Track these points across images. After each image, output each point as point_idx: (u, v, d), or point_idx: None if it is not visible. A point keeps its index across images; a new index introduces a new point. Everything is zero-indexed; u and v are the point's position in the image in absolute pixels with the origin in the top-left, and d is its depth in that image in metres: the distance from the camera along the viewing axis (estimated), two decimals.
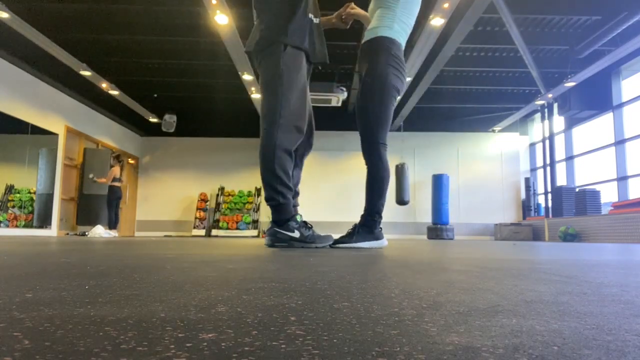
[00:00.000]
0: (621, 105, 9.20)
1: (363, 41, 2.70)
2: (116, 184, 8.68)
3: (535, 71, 8.64)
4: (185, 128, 12.43)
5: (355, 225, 2.54)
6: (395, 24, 2.60)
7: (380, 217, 2.55)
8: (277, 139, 2.43)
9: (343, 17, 2.87)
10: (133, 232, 12.82)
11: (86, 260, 1.28)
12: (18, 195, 8.72)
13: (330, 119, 10.63)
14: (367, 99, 2.57)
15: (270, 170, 2.43)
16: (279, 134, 2.43)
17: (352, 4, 2.87)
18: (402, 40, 2.65)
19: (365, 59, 2.65)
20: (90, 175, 9.44)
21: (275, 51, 2.49)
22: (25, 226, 8.64)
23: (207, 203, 12.69)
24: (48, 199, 9.15)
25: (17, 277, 0.81)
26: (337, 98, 9.04)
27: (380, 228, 2.55)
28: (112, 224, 8.49)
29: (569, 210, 9.89)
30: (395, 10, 2.59)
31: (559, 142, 11.04)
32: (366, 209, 2.56)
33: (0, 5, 6.04)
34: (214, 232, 12.37)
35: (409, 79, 8.67)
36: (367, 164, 2.58)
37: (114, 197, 8.65)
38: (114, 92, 9.67)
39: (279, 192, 2.44)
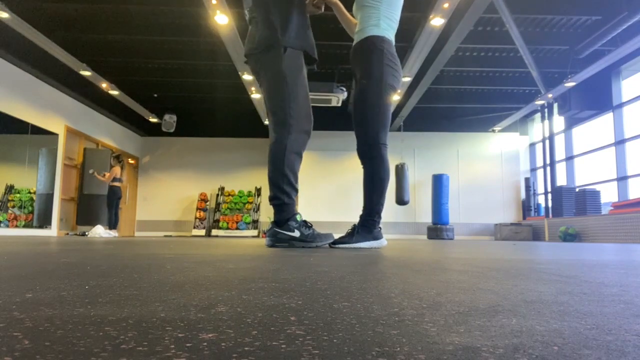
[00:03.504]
0: (621, 105, 9.20)
1: (354, 44, 2.69)
2: (116, 184, 8.69)
3: (535, 71, 8.64)
4: (185, 128, 12.44)
5: (355, 225, 2.54)
6: (382, 22, 2.59)
7: (380, 217, 2.55)
8: (288, 142, 2.44)
9: (314, 2, 2.79)
10: (133, 232, 12.82)
11: (86, 260, 1.28)
12: (18, 195, 8.72)
13: (330, 119, 10.63)
14: (366, 101, 2.55)
15: (278, 170, 2.44)
16: (290, 135, 2.45)
17: None
18: (391, 37, 2.65)
19: (357, 60, 2.64)
20: (90, 171, 9.43)
21: (276, 54, 2.48)
22: (25, 226, 8.64)
23: (207, 203, 12.69)
24: (48, 199, 9.15)
25: (17, 277, 0.81)
26: (337, 98, 9.03)
27: (380, 228, 2.54)
28: (112, 224, 8.49)
29: (569, 210, 9.88)
30: (379, 8, 2.59)
31: (559, 142, 11.04)
32: (366, 210, 2.55)
33: (0, 5, 6.04)
34: (214, 232, 12.38)
35: (408, 79, 8.66)
36: (366, 165, 2.56)
37: (114, 197, 8.65)
38: (114, 92, 9.67)
39: (285, 192, 2.45)
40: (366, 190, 2.56)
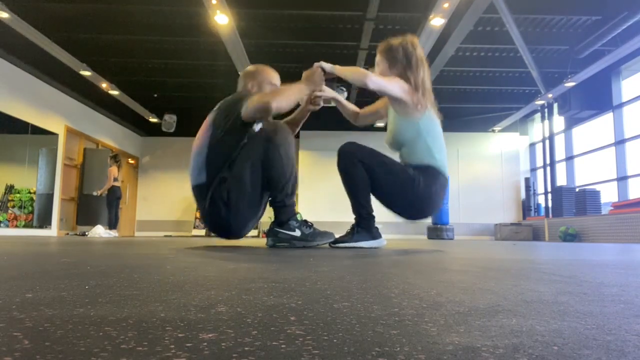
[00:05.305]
0: (621, 105, 9.20)
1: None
2: (115, 183, 8.70)
3: (535, 71, 8.63)
4: (185, 128, 12.39)
5: (354, 225, 2.54)
6: (436, 154, 2.44)
7: (370, 214, 2.53)
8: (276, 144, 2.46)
9: (312, 99, 2.76)
10: (133, 232, 12.82)
11: (86, 260, 1.28)
12: (18, 195, 8.71)
13: (330, 119, 10.60)
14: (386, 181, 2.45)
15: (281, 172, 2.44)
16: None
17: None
18: (447, 175, 2.49)
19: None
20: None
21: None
22: (25, 226, 8.63)
23: None
24: (48, 199, 9.15)
25: (17, 277, 0.81)
26: None
27: (377, 227, 2.54)
28: (112, 224, 8.49)
29: (569, 210, 9.88)
30: (426, 140, 2.45)
31: (559, 142, 11.04)
32: (357, 211, 2.55)
33: (0, 5, 6.04)
34: None
35: None
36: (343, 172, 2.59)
37: (113, 197, 8.65)
38: (114, 92, 9.66)
39: (286, 193, 2.44)
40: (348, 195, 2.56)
